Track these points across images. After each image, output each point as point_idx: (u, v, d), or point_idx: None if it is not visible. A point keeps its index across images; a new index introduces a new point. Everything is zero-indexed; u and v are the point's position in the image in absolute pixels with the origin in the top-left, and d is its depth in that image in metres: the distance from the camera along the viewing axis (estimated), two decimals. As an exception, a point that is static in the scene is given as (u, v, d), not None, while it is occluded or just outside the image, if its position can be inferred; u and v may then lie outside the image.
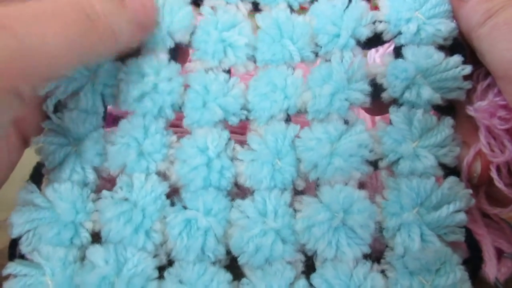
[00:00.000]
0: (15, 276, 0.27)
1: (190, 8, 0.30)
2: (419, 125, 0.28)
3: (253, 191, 0.29)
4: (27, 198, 0.28)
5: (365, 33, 0.29)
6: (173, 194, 0.29)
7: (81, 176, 0.29)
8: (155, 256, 0.28)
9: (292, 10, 0.30)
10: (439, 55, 0.28)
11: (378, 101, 0.29)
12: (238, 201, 0.29)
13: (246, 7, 0.30)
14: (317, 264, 0.28)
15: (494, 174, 0.27)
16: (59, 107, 0.29)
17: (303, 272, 0.28)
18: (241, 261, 0.28)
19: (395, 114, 0.28)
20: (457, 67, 0.28)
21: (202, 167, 0.28)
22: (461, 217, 0.27)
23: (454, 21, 0.28)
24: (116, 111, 0.32)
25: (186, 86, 0.30)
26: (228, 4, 0.30)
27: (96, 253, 0.27)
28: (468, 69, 0.28)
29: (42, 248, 0.27)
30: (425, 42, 0.28)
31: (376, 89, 0.29)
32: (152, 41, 0.29)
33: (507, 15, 0.25)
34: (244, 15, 0.30)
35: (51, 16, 0.24)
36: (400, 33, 0.29)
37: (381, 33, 0.29)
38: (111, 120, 0.33)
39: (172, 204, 0.29)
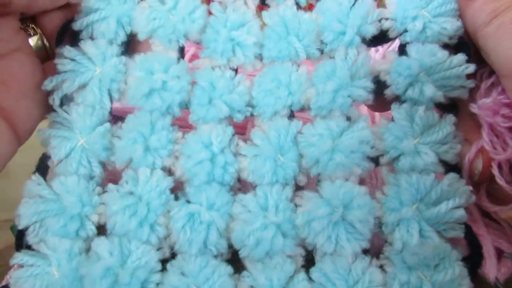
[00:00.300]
0: (21, 266, 0.28)
1: (204, 8, 0.29)
2: (420, 122, 0.28)
3: (255, 186, 0.29)
4: (34, 190, 0.29)
5: (371, 30, 0.29)
6: (177, 189, 0.30)
7: (87, 169, 0.29)
8: (158, 249, 0.29)
9: (299, 7, 0.30)
10: (443, 53, 0.28)
11: (381, 97, 0.29)
12: (240, 196, 0.29)
13: (254, 3, 0.30)
14: (317, 258, 0.29)
15: (495, 171, 0.27)
16: (64, 100, 0.30)
17: (303, 266, 0.29)
18: (242, 254, 0.28)
19: (397, 111, 0.29)
20: (460, 65, 0.28)
21: (206, 162, 0.29)
22: (461, 213, 0.27)
23: (460, 20, 0.28)
24: (116, 111, 0.32)
25: (193, 83, 0.30)
26: (237, 0, 0.30)
27: (101, 245, 0.28)
28: (471, 67, 0.28)
29: (49, 239, 0.28)
30: (431, 40, 0.28)
31: (380, 85, 0.29)
32: (163, 38, 0.29)
33: None
34: (252, 13, 0.30)
35: None
36: (406, 30, 0.29)
37: (387, 31, 0.29)
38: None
39: (176, 198, 0.29)
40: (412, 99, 0.28)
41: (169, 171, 0.30)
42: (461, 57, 0.28)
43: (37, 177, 0.29)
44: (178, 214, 0.28)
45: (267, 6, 0.31)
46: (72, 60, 0.29)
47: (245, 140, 0.30)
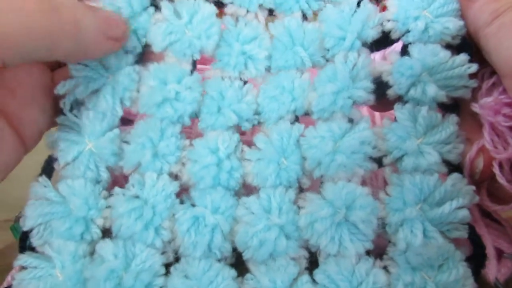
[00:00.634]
0: (24, 268, 0.28)
1: (219, 23, 0.30)
2: (423, 122, 0.28)
3: (259, 189, 0.29)
4: (40, 192, 0.29)
5: (371, 34, 0.29)
6: (182, 193, 0.30)
7: (94, 174, 0.29)
8: (163, 253, 0.29)
9: (306, 18, 0.31)
10: (445, 53, 0.28)
11: (384, 98, 0.29)
12: (244, 198, 0.29)
13: (263, 15, 0.31)
14: (320, 260, 0.29)
15: (496, 169, 0.27)
16: (74, 105, 0.30)
17: (306, 268, 0.29)
18: (245, 256, 0.28)
19: (400, 111, 0.29)
20: (463, 65, 0.28)
21: (213, 166, 0.29)
22: (464, 213, 0.27)
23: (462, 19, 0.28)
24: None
25: (203, 93, 0.30)
26: (249, 13, 0.31)
27: (105, 247, 0.28)
28: (474, 67, 0.28)
29: (53, 242, 0.28)
30: (433, 40, 0.28)
31: (382, 86, 0.29)
32: (178, 52, 0.30)
33: None
34: (263, 26, 0.31)
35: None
36: (408, 31, 0.29)
37: (389, 32, 0.29)
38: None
39: (182, 203, 0.29)
40: (414, 99, 0.28)
41: (175, 177, 0.30)
42: (463, 57, 0.28)
43: (43, 179, 0.29)
44: (183, 217, 0.29)
45: (274, 16, 0.31)
46: (86, 66, 0.29)
47: (249, 146, 0.30)
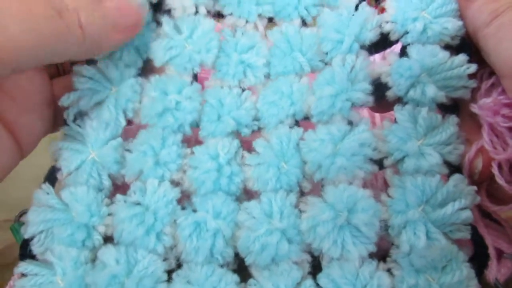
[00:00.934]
0: (25, 275, 0.28)
1: (218, 37, 0.30)
2: (424, 123, 0.28)
3: (260, 194, 0.29)
4: (42, 199, 0.29)
5: (369, 36, 0.29)
6: (184, 199, 0.30)
7: (97, 181, 0.29)
8: (165, 259, 0.29)
9: (305, 24, 0.31)
10: (444, 54, 0.28)
11: (383, 100, 0.29)
12: (245, 203, 0.29)
13: (262, 23, 0.31)
14: (324, 264, 0.28)
15: (495, 170, 0.27)
16: (77, 115, 0.30)
17: (309, 273, 0.29)
18: (248, 261, 0.28)
19: (400, 112, 0.29)
20: (462, 65, 0.28)
21: (213, 172, 0.29)
22: (467, 214, 0.27)
23: (461, 20, 0.28)
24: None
25: (203, 102, 0.31)
26: (248, 24, 0.31)
27: (107, 253, 0.28)
28: (473, 67, 0.28)
29: (55, 248, 0.28)
30: (432, 41, 0.28)
31: (381, 88, 0.29)
32: (179, 66, 0.30)
33: None
34: (261, 35, 0.31)
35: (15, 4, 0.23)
36: (406, 32, 0.29)
37: (388, 34, 0.30)
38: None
39: (183, 208, 0.29)
40: (414, 100, 0.28)
41: (176, 185, 0.30)
42: (462, 57, 0.28)
43: (46, 187, 0.29)
44: (185, 222, 0.28)
45: (275, 24, 0.31)
46: (90, 78, 0.30)
47: (249, 151, 0.30)
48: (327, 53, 0.30)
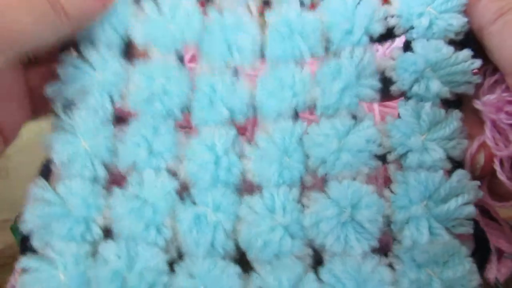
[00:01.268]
0: (25, 270, 0.28)
1: (202, 16, 0.30)
2: (427, 118, 0.28)
3: (261, 188, 0.29)
4: (38, 194, 0.28)
5: (378, 29, 0.29)
6: (182, 190, 0.29)
7: (91, 172, 0.29)
8: (166, 251, 0.28)
9: (302, 5, 0.30)
10: (448, 49, 0.28)
11: (387, 94, 0.29)
12: (247, 198, 0.29)
13: (256, 5, 0.30)
14: (326, 258, 0.28)
15: (497, 166, 0.27)
16: (65, 105, 0.30)
17: (311, 266, 0.28)
18: (250, 256, 0.28)
19: (403, 107, 0.28)
20: (466, 61, 0.28)
21: (210, 164, 0.28)
22: (470, 209, 0.27)
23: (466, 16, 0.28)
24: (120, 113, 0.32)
25: (194, 88, 0.30)
26: (239, 6, 0.30)
27: (108, 248, 0.28)
28: (477, 63, 0.28)
29: (55, 243, 0.28)
30: (437, 36, 0.28)
31: (385, 82, 0.29)
32: (162, 47, 0.29)
33: None
34: (251, 15, 0.30)
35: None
36: (412, 27, 0.29)
37: (392, 28, 0.29)
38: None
39: (181, 199, 0.29)
40: (418, 95, 0.28)
41: (173, 174, 0.29)
42: (467, 52, 0.28)
43: (41, 181, 0.29)
44: (185, 215, 0.28)
45: (269, 6, 0.30)
46: (71, 65, 0.29)
47: (249, 141, 0.30)
48: (333, 43, 0.29)
